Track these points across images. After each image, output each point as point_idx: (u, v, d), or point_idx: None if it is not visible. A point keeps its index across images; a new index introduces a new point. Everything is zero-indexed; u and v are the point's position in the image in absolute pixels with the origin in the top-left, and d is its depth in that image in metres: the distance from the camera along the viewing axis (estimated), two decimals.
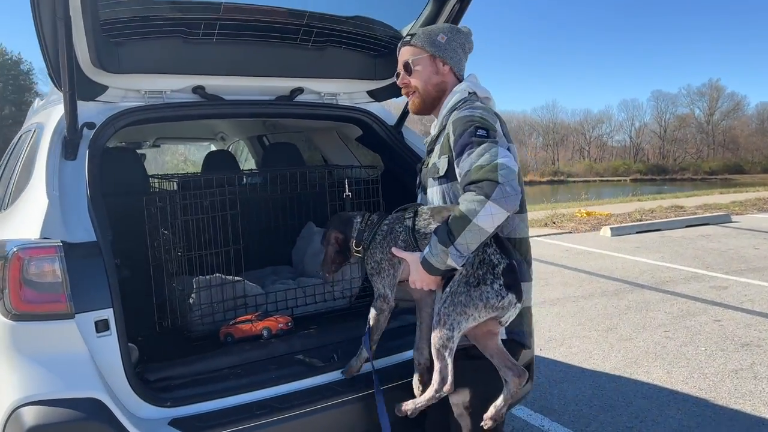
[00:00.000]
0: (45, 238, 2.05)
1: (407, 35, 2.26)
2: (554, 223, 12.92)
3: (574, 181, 62.57)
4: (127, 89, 2.68)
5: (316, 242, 3.31)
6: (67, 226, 2.16)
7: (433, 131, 2.27)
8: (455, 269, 1.95)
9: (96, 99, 2.63)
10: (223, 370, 2.39)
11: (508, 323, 2.04)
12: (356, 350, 2.40)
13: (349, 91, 3.24)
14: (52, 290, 2.00)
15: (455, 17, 2.87)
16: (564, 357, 4.98)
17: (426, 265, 1.96)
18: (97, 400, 1.97)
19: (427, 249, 1.96)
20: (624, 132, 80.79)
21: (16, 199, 2.54)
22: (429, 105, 2.24)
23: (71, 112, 2.32)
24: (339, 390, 2.32)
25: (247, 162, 5.49)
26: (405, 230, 2.08)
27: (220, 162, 4.10)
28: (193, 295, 2.73)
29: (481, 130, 1.96)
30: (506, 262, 1.97)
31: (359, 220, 2.24)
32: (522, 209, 2.11)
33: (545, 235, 11.53)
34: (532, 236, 9.59)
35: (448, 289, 1.97)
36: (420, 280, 2.02)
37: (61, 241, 2.04)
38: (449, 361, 1.97)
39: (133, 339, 2.59)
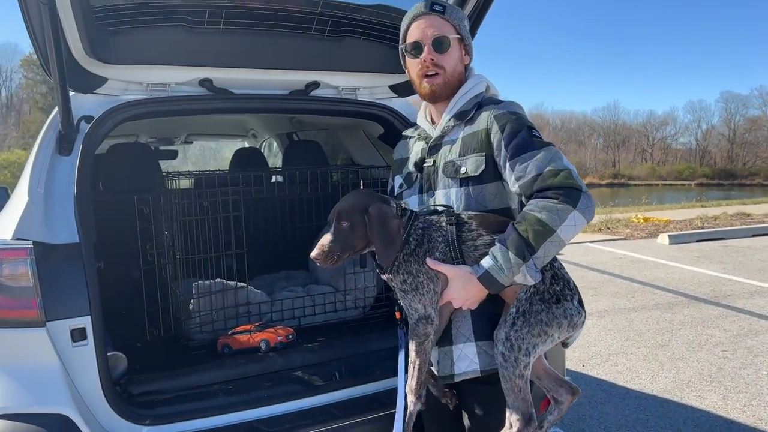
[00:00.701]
0: (19, 239, 1.92)
1: (435, 4, 1.88)
2: (608, 228, 12.37)
3: (636, 185, 60.60)
4: (129, 81, 2.54)
5: None
6: (48, 226, 2.03)
7: (428, 125, 2.00)
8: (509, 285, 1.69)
9: (95, 91, 2.49)
10: (213, 385, 2.21)
11: (569, 345, 1.84)
12: (363, 368, 2.18)
13: (370, 86, 3.01)
14: (22, 295, 1.86)
15: (482, 7, 2.60)
16: (608, 375, 4.62)
17: (488, 280, 1.66)
18: (64, 417, 1.82)
19: (490, 262, 1.66)
20: (690, 134, 77.78)
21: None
22: (448, 93, 1.91)
23: (63, 104, 2.20)
24: (336, 414, 2.11)
25: (278, 160, 5.34)
26: (445, 240, 1.74)
27: (245, 160, 3.96)
28: (192, 301, 2.57)
29: (535, 131, 1.74)
30: (571, 278, 1.77)
31: (394, 206, 1.77)
32: None
33: (598, 241, 11.02)
34: (583, 242, 9.04)
35: (514, 309, 1.69)
36: (468, 298, 1.72)
37: (34, 243, 1.91)
38: (528, 392, 1.69)
39: (130, 346, 2.45)
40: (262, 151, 5.19)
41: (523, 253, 1.62)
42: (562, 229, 1.60)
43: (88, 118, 2.39)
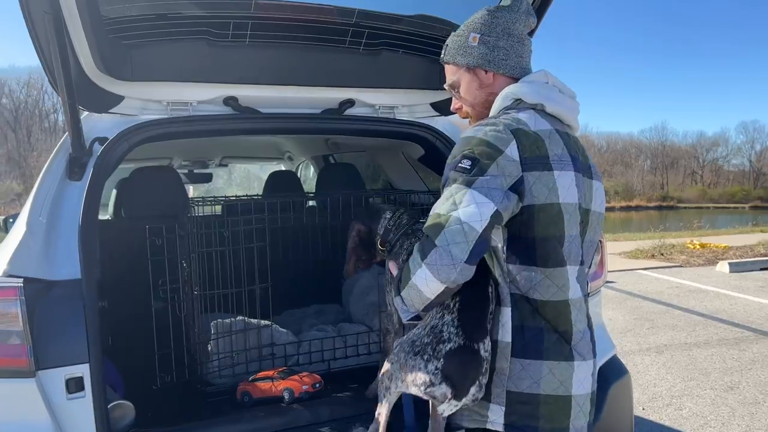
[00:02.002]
0: (10, 275, 1.70)
1: (443, 51, 1.79)
2: (662, 254, 11.76)
3: (686, 207, 58.67)
4: (147, 100, 2.34)
5: (364, 280, 2.82)
6: (48, 260, 1.81)
7: None
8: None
9: (110, 111, 2.30)
10: None
11: (445, 416, 1.57)
12: (399, 423, 1.89)
13: (409, 104, 2.75)
14: (9, 341, 1.63)
15: (539, 10, 2.32)
16: (672, 420, 4.18)
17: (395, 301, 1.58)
18: None
19: None
20: (742, 156, 75.20)
21: None
22: None
23: (73, 125, 2.00)
24: None
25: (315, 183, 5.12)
26: (408, 250, 1.75)
27: (279, 183, 3.75)
28: (210, 342, 2.32)
29: (466, 160, 1.44)
30: (459, 343, 1.44)
31: (389, 216, 1.96)
32: (557, 261, 1.50)
33: (651, 268, 10.44)
34: (634, 269, 8.40)
35: (406, 336, 1.61)
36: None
37: (27, 280, 1.69)
38: (385, 407, 1.70)
39: (144, 391, 2.22)
40: (299, 173, 4.98)
41: (397, 285, 1.51)
42: (416, 278, 1.40)
43: (102, 140, 2.19)
